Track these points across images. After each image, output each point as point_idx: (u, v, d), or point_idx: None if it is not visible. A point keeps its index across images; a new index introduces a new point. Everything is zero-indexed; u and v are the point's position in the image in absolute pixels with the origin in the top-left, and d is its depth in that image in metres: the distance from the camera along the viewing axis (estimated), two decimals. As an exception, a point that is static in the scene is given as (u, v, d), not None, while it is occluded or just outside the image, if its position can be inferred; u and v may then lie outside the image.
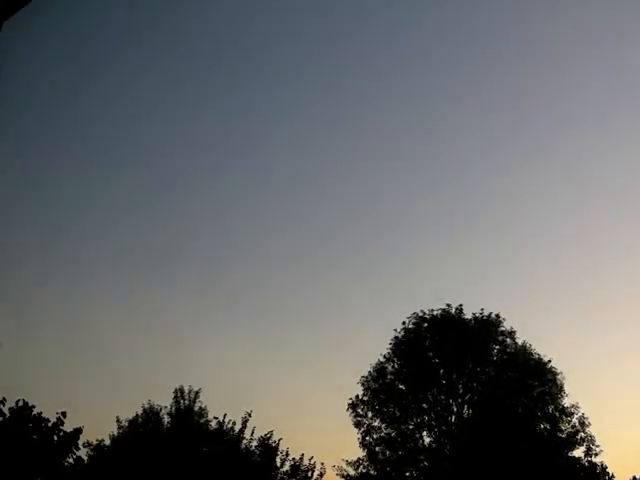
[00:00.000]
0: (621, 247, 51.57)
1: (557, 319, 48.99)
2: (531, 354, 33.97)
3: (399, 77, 52.11)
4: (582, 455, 32.77)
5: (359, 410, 34.05)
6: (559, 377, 33.45)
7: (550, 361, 33.71)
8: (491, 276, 48.87)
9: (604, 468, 32.75)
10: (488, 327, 34.14)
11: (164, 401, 28.68)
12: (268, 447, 26.67)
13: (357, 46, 50.59)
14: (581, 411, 33.09)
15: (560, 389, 33.36)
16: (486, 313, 34.44)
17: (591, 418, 33.07)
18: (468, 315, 34.63)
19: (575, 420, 32.99)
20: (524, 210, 52.50)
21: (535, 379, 33.43)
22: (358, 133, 52.83)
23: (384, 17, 46.37)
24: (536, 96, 52.89)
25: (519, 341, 34.30)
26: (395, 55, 51.61)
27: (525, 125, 52.49)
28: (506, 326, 34.36)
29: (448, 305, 34.71)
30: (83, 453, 21.98)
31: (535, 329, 43.91)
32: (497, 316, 34.30)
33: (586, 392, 44.03)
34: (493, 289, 47.25)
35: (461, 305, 34.67)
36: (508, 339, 34.37)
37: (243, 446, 26.62)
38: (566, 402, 33.42)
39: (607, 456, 32.99)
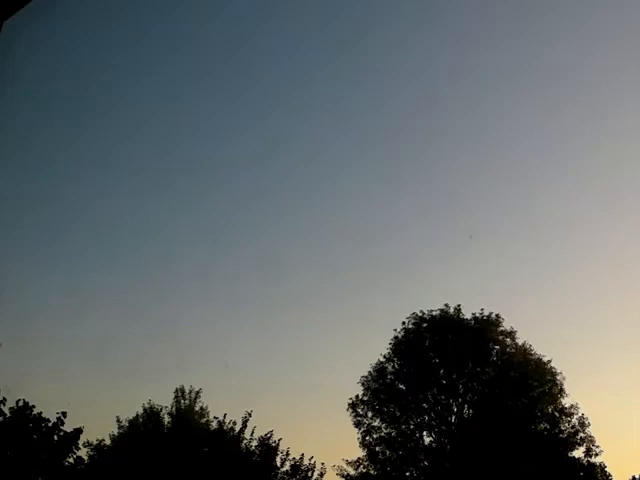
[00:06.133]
0: (620, 246, 51.55)
1: (557, 319, 49.02)
2: (531, 354, 33.96)
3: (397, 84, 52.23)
4: (582, 455, 32.78)
5: (359, 410, 34.07)
6: (559, 377, 33.48)
7: (550, 361, 33.75)
8: (492, 277, 48.83)
9: (603, 468, 32.71)
10: (488, 327, 34.11)
11: (164, 401, 28.80)
12: (268, 447, 26.70)
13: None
14: (581, 411, 33.11)
15: (560, 389, 33.36)
16: (486, 313, 34.46)
17: (590, 418, 33.14)
18: (467, 315, 34.67)
19: (575, 420, 33.00)
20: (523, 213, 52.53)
21: (535, 379, 33.41)
22: (368, 139, 52.94)
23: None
24: (537, 108, 52.94)
25: (519, 341, 34.33)
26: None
27: (523, 134, 52.40)
28: (506, 326, 34.37)
29: (447, 305, 34.76)
30: (83, 453, 22.11)
31: (535, 328, 44.04)
32: (497, 316, 34.30)
33: (586, 391, 44.10)
34: (493, 289, 47.18)
35: (459, 305, 34.70)
36: (508, 339, 34.37)
37: (243, 446, 26.66)
38: (566, 402, 33.45)
39: (607, 456, 33.02)
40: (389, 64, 50.99)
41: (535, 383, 33.35)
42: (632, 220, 50.81)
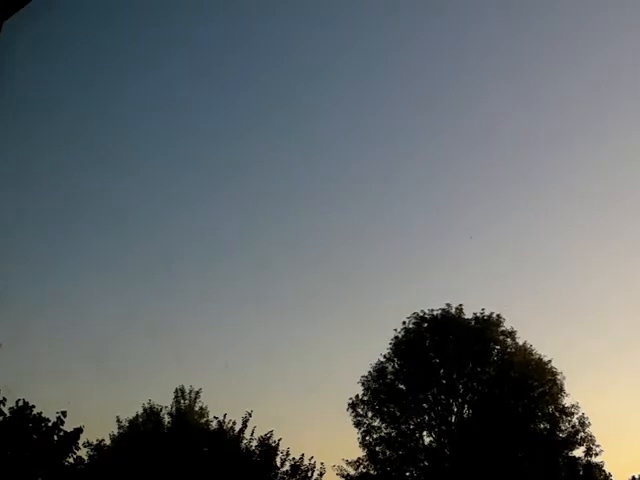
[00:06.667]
0: (621, 245, 51.56)
1: (557, 318, 49.03)
2: (531, 354, 33.92)
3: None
4: (582, 455, 32.72)
5: (359, 410, 34.05)
6: (559, 377, 33.42)
7: (550, 361, 33.72)
8: (492, 277, 48.82)
9: (600, 467, 32.60)
10: (489, 327, 34.07)
11: (164, 401, 28.77)
12: (268, 447, 26.66)
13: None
14: (581, 411, 33.04)
15: (560, 389, 33.31)
16: (487, 313, 34.40)
17: (590, 417, 33.07)
18: (468, 315, 34.62)
19: (575, 420, 32.92)
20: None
21: (535, 379, 33.35)
22: (368, 139, 53.09)
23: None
24: (538, 107, 52.98)
25: (519, 341, 34.29)
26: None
27: (523, 134, 52.39)
28: (506, 326, 34.33)
29: (448, 305, 34.72)
30: (83, 453, 22.07)
31: (535, 329, 44.06)
32: (498, 316, 34.25)
33: (586, 391, 44.11)
34: (493, 289, 47.18)
35: (461, 305, 34.66)
36: (509, 339, 34.32)
37: (243, 446, 26.61)
38: (566, 402, 33.37)
39: (607, 456, 32.97)
40: (389, 64, 51.08)
41: (535, 383, 33.30)
42: (632, 220, 50.93)
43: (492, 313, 34.33)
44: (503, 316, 34.29)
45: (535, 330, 45.49)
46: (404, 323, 34.91)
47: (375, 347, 35.93)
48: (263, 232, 51.82)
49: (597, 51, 50.40)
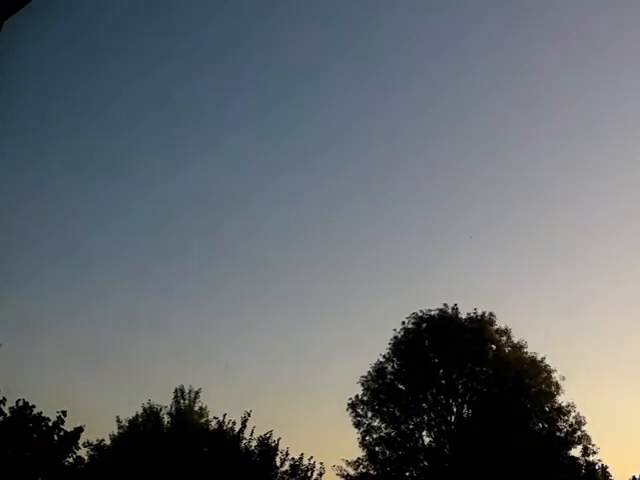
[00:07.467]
0: (620, 244, 51.61)
1: (556, 318, 49.04)
2: (526, 352, 33.80)
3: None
4: (580, 454, 32.67)
5: (359, 410, 34.05)
6: (554, 375, 33.30)
7: (544, 358, 33.63)
8: (492, 276, 48.86)
9: (604, 469, 32.58)
10: (484, 326, 34.02)
11: (164, 401, 28.79)
12: (268, 447, 26.65)
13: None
14: (577, 410, 32.92)
15: (556, 387, 33.18)
16: (479, 312, 34.33)
17: (591, 417, 33.03)
18: (463, 315, 34.58)
19: (572, 419, 32.83)
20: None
21: (531, 377, 33.18)
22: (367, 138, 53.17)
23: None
24: (538, 108, 53.02)
25: (514, 339, 34.17)
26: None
27: (523, 134, 52.42)
28: (500, 324, 34.27)
29: (445, 305, 34.70)
30: (83, 453, 22.10)
31: (535, 328, 44.09)
32: (490, 314, 34.21)
33: (586, 391, 44.11)
34: (494, 288, 47.22)
35: (456, 305, 34.60)
36: (504, 337, 34.20)
37: (243, 446, 26.61)
38: (562, 400, 33.26)
39: (607, 456, 32.94)
40: (390, 64, 51.10)
41: (531, 381, 33.16)
42: (631, 220, 50.92)
43: (484, 312, 34.30)
44: (495, 314, 34.27)
45: (534, 329, 45.52)
46: (403, 323, 35.00)
47: (375, 347, 36.02)
48: (262, 232, 51.90)
49: (597, 50, 50.42)
